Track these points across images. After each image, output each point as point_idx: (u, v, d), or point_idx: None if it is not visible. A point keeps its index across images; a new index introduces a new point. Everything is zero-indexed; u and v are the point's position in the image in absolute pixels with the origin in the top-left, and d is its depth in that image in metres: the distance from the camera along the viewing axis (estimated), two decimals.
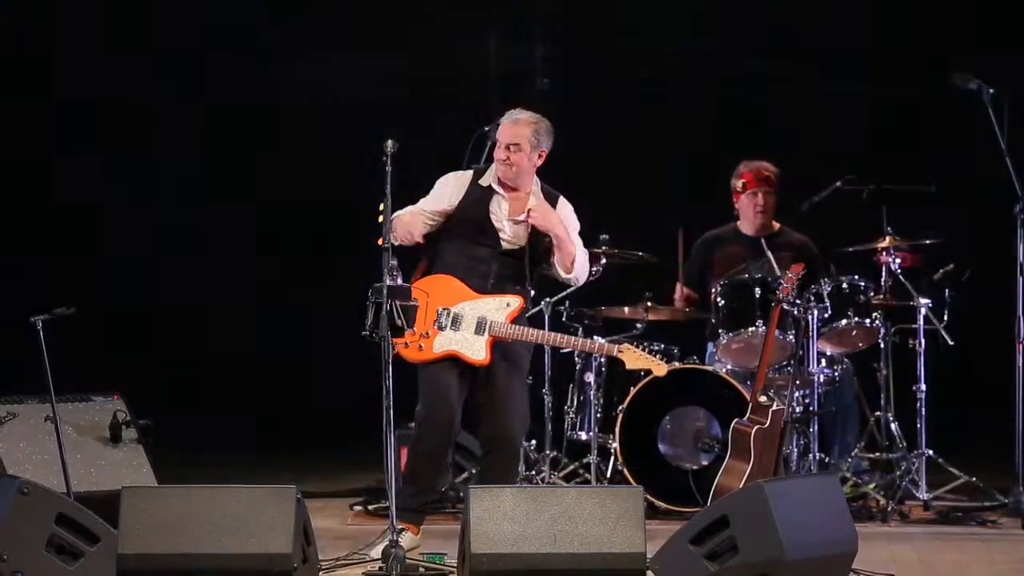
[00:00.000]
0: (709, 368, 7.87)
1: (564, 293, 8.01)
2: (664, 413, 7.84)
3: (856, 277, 7.88)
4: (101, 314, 9.37)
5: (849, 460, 7.94)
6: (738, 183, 8.29)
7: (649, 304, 8.12)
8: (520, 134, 6.75)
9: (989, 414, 8.51)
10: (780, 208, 8.34)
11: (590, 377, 8.01)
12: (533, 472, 7.97)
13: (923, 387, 7.82)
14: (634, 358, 6.76)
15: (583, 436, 8.05)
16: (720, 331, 7.90)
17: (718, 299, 7.93)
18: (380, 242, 6.28)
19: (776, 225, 8.34)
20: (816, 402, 7.81)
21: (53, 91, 10.41)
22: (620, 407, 7.77)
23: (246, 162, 10.45)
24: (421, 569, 6.08)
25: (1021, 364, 7.48)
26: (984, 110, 7.48)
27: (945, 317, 7.82)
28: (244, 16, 10.46)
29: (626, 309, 8.17)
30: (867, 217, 8.17)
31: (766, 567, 5.37)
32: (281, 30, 10.49)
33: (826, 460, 7.84)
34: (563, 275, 6.87)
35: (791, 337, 7.66)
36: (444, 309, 6.68)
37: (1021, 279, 7.43)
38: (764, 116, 10.09)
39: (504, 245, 6.77)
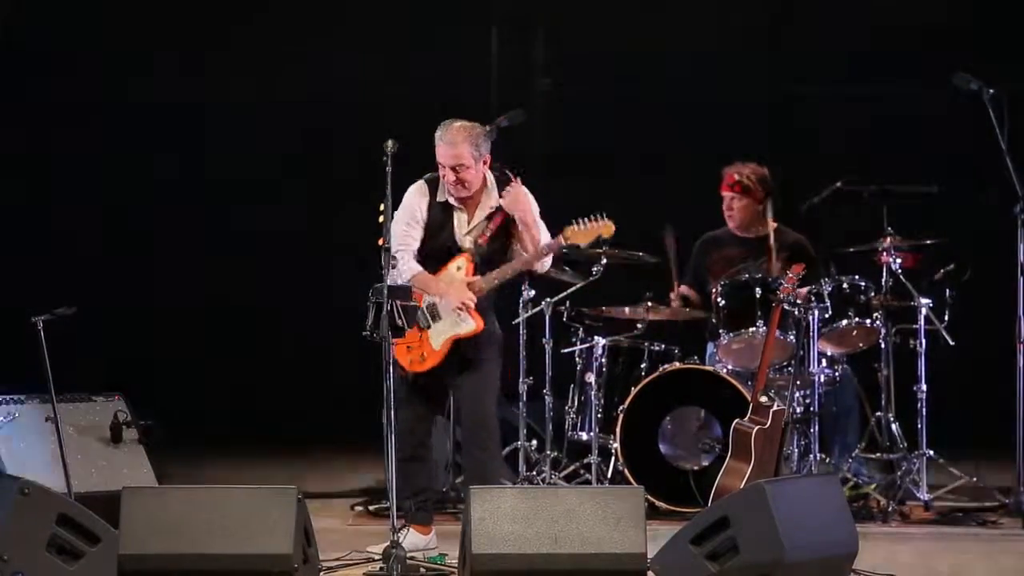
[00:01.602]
0: (710, 368, 7.87)
1: (565, 293, 8.01)
2: (665, 413, 7.84)
3: (857, 277, 7.87)
4: (101, 314, 9.37)
5: (850, 460, 7.94)
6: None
7: (649, 304, 8.11)
8: (461, 153, 6.64)
9: (989, 414, 8.51)
10: (780, 209, 8.33)
11: (591, 377, 8.01)
12: (534, 472, 7.97)
13: (924, 387, 7.81)
14: (582, 235, 6.64)
15: (584, 436, 8.04)
16: (721, 331, 7.89)
17: (719, 299, 7.93)
18: (380, 242, 6.28)
19: (773, 225, 8.34)
20: (817, 402, 7.81)
21: (52, 90, 10.41)
22: (621, 407, 7.77)
23: (241, 161, 10.45)
24: (422, 569, 6.09)
25: (1021, 364, 7.48)
26: (984, 110, 7.48)
27: (946, 317, 7.81)
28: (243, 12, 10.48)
29: (626, 309, 8.17)
30: (868, 217, 8.17)
31: (767, 567, 5.37)
32: (281, 27, 10.50)
33: (827, 460, 7.84)
34: (529, 259, 6.77)
35: (792, 337, 7.66)
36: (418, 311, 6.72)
37: (1021, 279, 7.43)
38: (764, 116, 10.09)
39: (461, 250, 6.75)
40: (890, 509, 7.54)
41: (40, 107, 10.38)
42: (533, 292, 8.02)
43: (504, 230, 6.77)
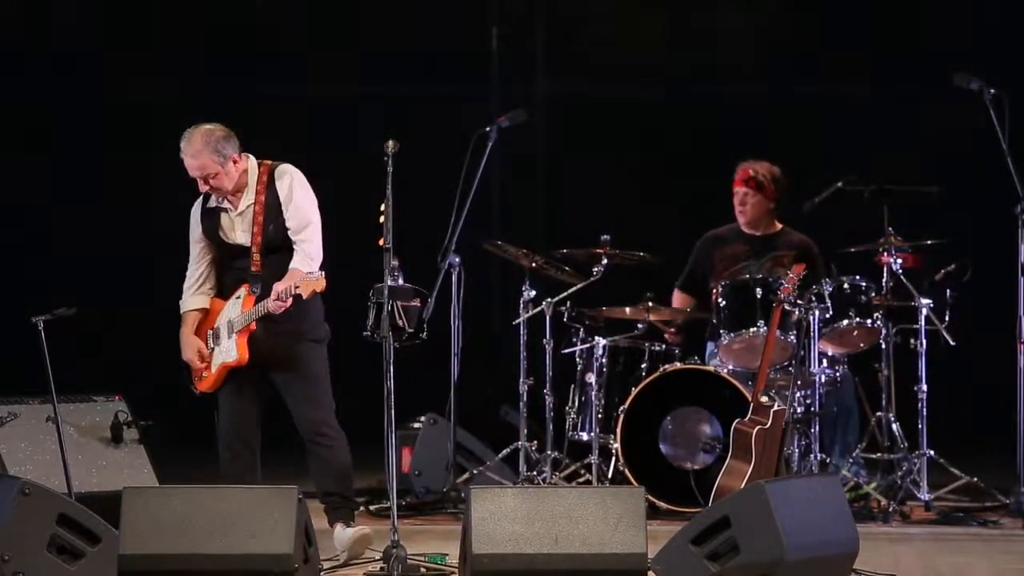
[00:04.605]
0: (710, 368, 7.87)
1: (565, 294, 8.01)
2: (665, 413, 7.83)
3: (857, 277, 7.87)
4: (101, 314, 9.36)
5: (850, 461, 7.94)
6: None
7: (650, 304, 8.11)
8: (205, 164, 6.59)
9: (990, 414, 8.51)
10: (781, 208, 8.34)
11: (591, 378, 8.01)
12: (534, 472, 7.97)
13: (924, 387, 7.81)
14: (305, 285, 6.45)
15: (584, 436, 8.04)
16: (721, 331, 7.89)
17: (719, 299, 7.92)
18: (380, 243, 6.29)
19: (778, 225, 8.35)
20: (817, 402, 7.81)
21: (51, 89, 10.41)
22: (621, 407, 7.77)
23: None
24: (423, 570, 6.09)
25: (1021, 364, 7.48)
26: (985, 110, 7.48)
27: (946, 317, 7.81)
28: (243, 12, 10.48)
29: (627, 310, 8.17)
30: (868, 217, 8.17)
31: (767, 567, 5.37)
32: (281, 26, 10.51)
33: (827, 460, 7.84)
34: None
35: (792, 337, 7.66)
36: (209, 332, 6.76)
37: (1022, 279, 7.43)
38: (764, 116, 10.10)
39: (246, 249, 6.69)
40: (890, 509, 7.53)
41: (42, 106, 10.39)
42: (534, 292, 8.02)
43: (272, 214, 6.65)
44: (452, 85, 10.37)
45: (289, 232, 6.63)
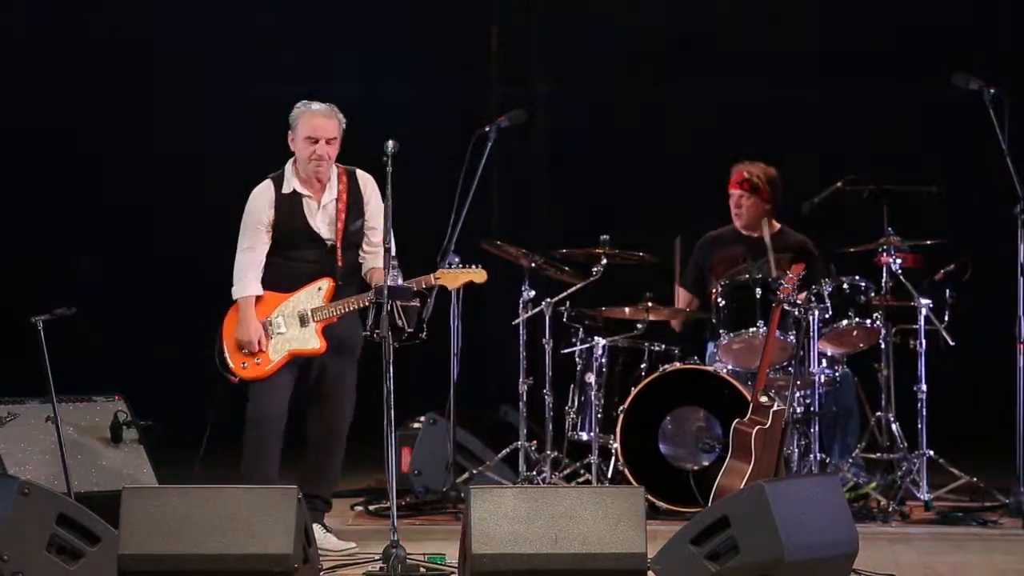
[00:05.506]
0: (710, 368, 7.87)
1: (565, 294, 8.01)
2: (665, 413, 7.84)
3: (857, 277, 7.87)
4: (101, 314, 9.37)
5: (850, 461, 7.94)
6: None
7: (650, 304, 8.11)
8: (334, 126, 6.76)
9: (989, 414, 8.50)
10: (781, 209, 8.34)
11: (591, 377, 8.01)
12: (534, 472, 7.97)
13: (924, 387, 7.81)
14: (452, 277, 6.69)
15: (584, 436, 8.04)
16: (721, 331, 7.89)
17: (719, 299, 7.93)
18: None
19: (776, 225, 8.34)
20: (817, 402, 7.81)
21: (48, 89, 10.41)
22: (621, 407, 7.77)
23: (241, 162, 10.43)
24: (422, 569, 6.09)
25: (1021, 364, 7.47)
26: (985, 110, 7.48)
27: (946, 317, 7.81)
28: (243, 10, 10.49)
29: (627, 310, 8.16)
30: (868, 217, 8.17)
31: (767, 567, 5.37)
32: (281, 26, 10.51)
33: (827, 460, 7.84)
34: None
35: (792, 338, 7.66)
36: (264, 321, 6.78)
37: (1021, 279, 7.43)
38: (764, 116, 10.10)
39: (327, 243, 6.79)
40: (890, 509, 7.54)
41: (41, 102, 10.39)
42: (533, 292, 8.02)
43: (354, 213, 6.78)
44: (452, 85, 10.36)
45: (371, 234, 6.81)
